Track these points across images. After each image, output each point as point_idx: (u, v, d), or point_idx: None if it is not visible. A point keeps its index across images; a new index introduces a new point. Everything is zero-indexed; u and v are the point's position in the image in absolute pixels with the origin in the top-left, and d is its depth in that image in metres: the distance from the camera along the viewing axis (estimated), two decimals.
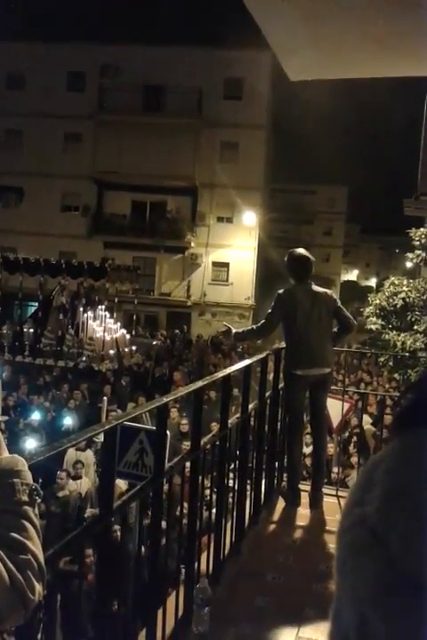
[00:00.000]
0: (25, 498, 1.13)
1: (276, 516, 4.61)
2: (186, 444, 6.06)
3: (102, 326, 17.20)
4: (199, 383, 3.15)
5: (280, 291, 4.78)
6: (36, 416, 10.53)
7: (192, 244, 28.66)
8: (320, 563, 3.71)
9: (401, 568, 0.52)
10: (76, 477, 8.01)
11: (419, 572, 0.51)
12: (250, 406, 4.02)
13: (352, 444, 8.98)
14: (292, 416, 4.89)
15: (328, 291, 4.90)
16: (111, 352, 16.27)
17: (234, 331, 4.94)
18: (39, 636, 2.01)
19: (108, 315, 17.89)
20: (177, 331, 24.90)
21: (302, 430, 5.31)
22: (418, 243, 12.91)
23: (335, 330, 4.86)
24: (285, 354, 4.84)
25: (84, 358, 16.04)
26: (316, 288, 4.75)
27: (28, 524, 1.11)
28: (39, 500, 1.18)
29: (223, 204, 28.35)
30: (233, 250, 28.67)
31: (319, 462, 4.96)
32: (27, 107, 27.80)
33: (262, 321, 4.85)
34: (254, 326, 5.05)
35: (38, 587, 1.09)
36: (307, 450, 7.06)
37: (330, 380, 5.02)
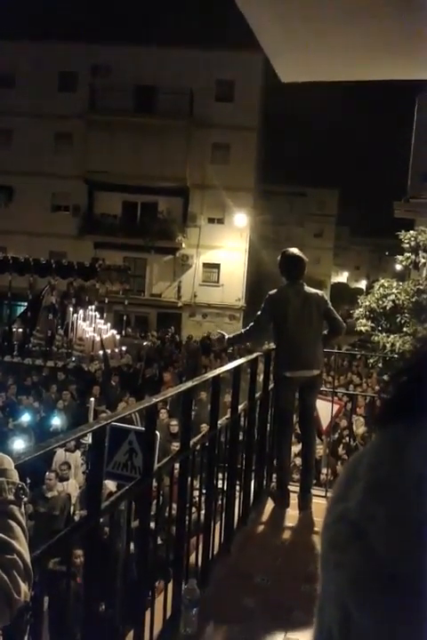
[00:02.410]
0: (11, 497, 1.11)
1: (265, 517, 4.60)
2: (176, 445, 6.05)
3: (92, 326, 17.15)
4: (189, 383, 3.14)
5: (271, 291, 4.77)
6: (25, 417, 10.48)
7: (183, 245, 28.65)
8: (309, 564, 3.71)
9: (381, 558, 0.53)
10: (63, 479, 7.96)
11: (398, 562, 0.52)
12: (240, 407, 4.01)
13: (341, 446, 9.01)
14: (281, 417, 4.89)
15: (320, 292, 4.88)
16: (100, 353, 16.23)
17: (227, 337, 4.95)
18: (26, 638, 1.99)
19: (98, 315, 17.84)
20: (169, 332, 24.86)
21: (292, 431, 5.30)
22: (408, 245, 12.97)
23: (325, 332, 4.86)
24: (274, 355, 4.84)
25: (73, 358, 15.98)
26: (308, 289, 4.74)
27: (13, 524, 1.10)
28: (26, 500, 1.17)
29: (214, 206, 28.36)
30: (224, 251, 28.70)
31: (308, 463, 4.96)
32: (17, 106, 27.66)
33: (252, 323, 4.84)
34: (243, 330, 5.05)
35: (24, 587, 1.08)
36: (295, 450, 7.08)
37: (320, 381, 5.02)
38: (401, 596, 0.51)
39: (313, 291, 4.79)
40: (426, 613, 0.50)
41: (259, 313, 4.77)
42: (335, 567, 0.57)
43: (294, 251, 4.81)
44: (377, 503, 0.55)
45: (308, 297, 4.69)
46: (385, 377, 13.22)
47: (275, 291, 4.76)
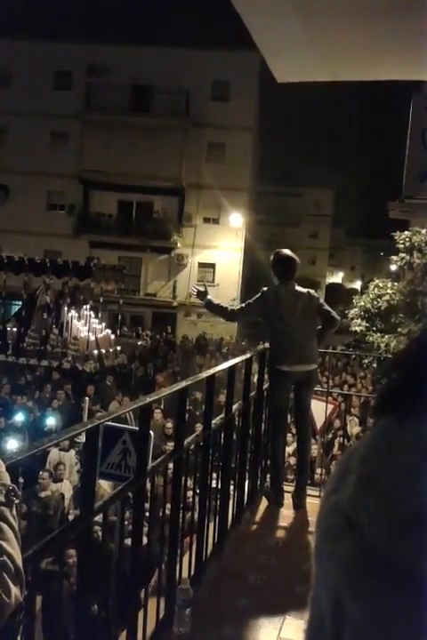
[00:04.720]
0: (1, 498, 1.10)
1: (259, 517, 4.60)
2: (170, 445, 6.05)
3: (87, 326, 17.10)
4: (183, 383, 3.14)
5: (265, 288, 4.84)
6: (19, 417, 10.45)
7: (178, 245, 28.63)
8: (303, 563, 3.71)
9: (371, 548, 0.53)
10: (58, 480, 7.94)
11: (387, 551, 0.52)
12: (234, 407, 4.01)
13: (336, 445, 9.02)
14: (276, 413, 4.89)
15: (311, 290, 4.96)
16: (95, 352, 16.19)
17: (209, 296, 4.91)
18: (19, 638, 1.98)
19: (92, 314, 17.79)
20: (165, 332, 24.82)
21: (286, 429, 5.31)
22: (402, 246, 13.02)
23: (320, 327, 4.89)
24: (270, 350, 4.85)
25: (68, 358, 15.94)
26: (298, 288, 4.84)
27: (3, 525, 1.08)
28: (17, 502, 1.15)
29: (210, 205, 28.35)
30: (219, 251, 28.69)
31: (303, 463, 4.96)
32: (13, 104, 27.56)
33: (241, 305, 4.92)
34: (229, 307, 5.11)
35: (14, 590, 1.06)
36: (290, 450, 7.08)
37: (315, 377, 5.07)
38: (391, 584, 0.52)
39: (304, 289, 4.88)
40: (415, 600, 0.51)
41: (249, 302, 4.86)
42: (328, 558, 0.58)
43: (286, 252, 4.92)
44: (368, 494, 0.56)
45: (300, 295, 4.79)
46: (379, 376, 13.25)
47: (269, 288, 4.83)
